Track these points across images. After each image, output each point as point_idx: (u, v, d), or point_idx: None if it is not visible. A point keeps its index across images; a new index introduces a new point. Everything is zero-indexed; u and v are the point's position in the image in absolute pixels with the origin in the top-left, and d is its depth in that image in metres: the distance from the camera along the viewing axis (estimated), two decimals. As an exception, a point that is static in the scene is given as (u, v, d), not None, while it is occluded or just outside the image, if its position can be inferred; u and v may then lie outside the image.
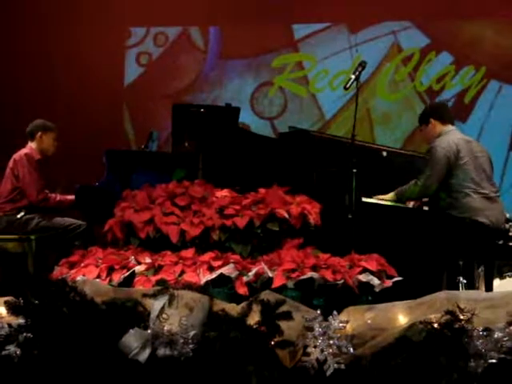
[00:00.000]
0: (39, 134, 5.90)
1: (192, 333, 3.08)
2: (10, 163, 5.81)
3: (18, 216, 5.72)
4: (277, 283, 4.14)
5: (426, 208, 5.36)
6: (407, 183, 5.27)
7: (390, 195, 5.29)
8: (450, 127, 5.23)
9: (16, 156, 5.81)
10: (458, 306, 3.10)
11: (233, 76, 8.60)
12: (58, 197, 5.88)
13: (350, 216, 4.91)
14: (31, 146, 5.90)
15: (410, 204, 5.35)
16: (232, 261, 4.27)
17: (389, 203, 5.31)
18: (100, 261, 4.40)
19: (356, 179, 4.95)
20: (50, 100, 8.08)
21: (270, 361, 3.08)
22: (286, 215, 4.56)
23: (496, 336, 3.04)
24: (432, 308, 3.23)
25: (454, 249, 5.03)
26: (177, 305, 3.18)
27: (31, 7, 8.29)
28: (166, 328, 3.10)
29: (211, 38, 8.67)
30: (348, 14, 8.28)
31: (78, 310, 3.19)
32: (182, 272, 4.21)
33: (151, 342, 3.08)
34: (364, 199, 5.17)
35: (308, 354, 3.11)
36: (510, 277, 5.54)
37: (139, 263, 4.34)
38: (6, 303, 3.27)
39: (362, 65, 5.22)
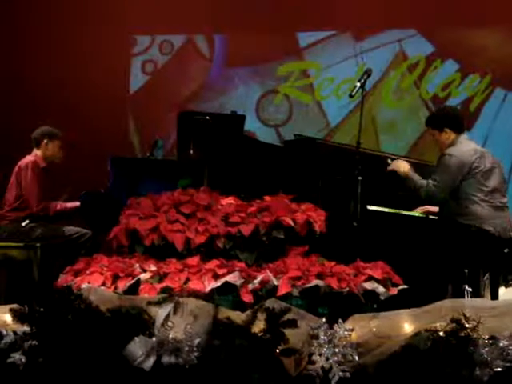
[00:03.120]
0: (45, 141, 5.88)
1: (197, 340, 3.08)
2: (16, 170, 5.80)
3: (23, 224, 5.70)
4: (282, 291, 4.14)
5: (433, 217, 5.36)
6: (411, 191, 5.27)
7: (410, 171, 5.23)
8: (463, 136, 5.22)
9: (21, 163, 5.80)
10: (464, 315, 3.09)
11: (238, 84, 8.61)
12: (59, 205, 5.86)
13: (355, 224, 4.92)
14: (37, 153, 5.88)
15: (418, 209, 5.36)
16: (237, 268, 4.27)
17: (394, 211, 5.31)
18: (105, 268, 4.39)
19: (361, 187, 4.95)
20: (55, 107, 8.08)
21: (274, 369, 3.07)
22: (292, 223, 4.55)
23: (501, 344, 3.03)
24: (437, 316, 3.22)
25: (460, 256, 5.02)
26: (182, 313, 3.18)
27: (36, 16, 8.31)
28: (170, 336, 3.10)
29: (216, 46, 8.69)
30: (353, 21, 8.29)
31: (83, 318, 3.19)
32: (187, 280, 4.21)
33: (156, 350, 3.08)
34: (369, 207, 5.16)
35: (313, 362, 3.11)
36: (515, 285, 5.53)
37: (144, 271, 4.34)
38: (12, 311, 3.27)
39: (368, 72, 5.23)
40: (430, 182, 5.10)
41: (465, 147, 5.16)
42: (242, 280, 4.21)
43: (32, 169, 5.73)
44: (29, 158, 5.83)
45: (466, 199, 5.07)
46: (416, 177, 5.21)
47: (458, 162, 5.07)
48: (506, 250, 5.09)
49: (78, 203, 5.88)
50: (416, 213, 5.37)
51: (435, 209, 5.33)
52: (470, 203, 5.06)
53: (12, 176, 5.82)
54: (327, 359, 3.09)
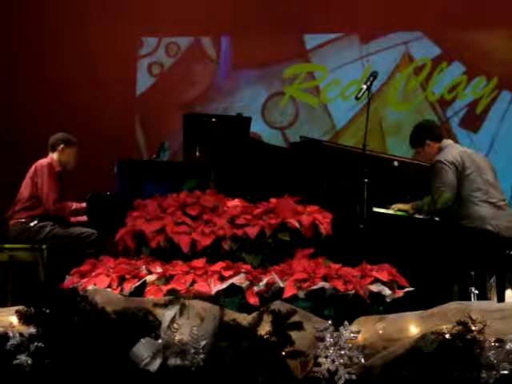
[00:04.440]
0: (61, 146, 5.99)
1: (203, 343, 3.08)
2: (30, 171, 5.89)
3: (32, 224, 5.77)
4: (288, 293, 4.14)
5: (436, 219, 5.35)
6: (418, 193, 5.28)
7: (408, 206, 5.29)
8: (446, 141, 5.31)
9: (37, 165, 5.89)
10: (470, 317, 3.08)
11: (244, 86, 8.61)
12: (74, 205, 5.95)
13: (361, 226, 4.92)
14: (52, 156, 5.98)
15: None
16: (243, 270, 4.27)
17: (400, 213, 5.30)
18: (111, 270, 4.40)
19: (367, 189, 4.95)
20: (61, 110, 8.09)
21: (280, 371, 3.07)
22: (298, 225, 4.55)
23: (508, 347, 3.03)
24: (443, 319, 3.22)
25: (465, 259, 5.02)
26: (188, 315, 3.18)
27: (42, 18, 8.32)
28: (176, 338, 3.10)
29: (223, 48, 8.69)
30: (359, 24, 8.28)
31: (89, 320, 3.19)
32: (193, 282, 4.21)
33: (162, 352, 3.08)
34: (375, 209, 5.16)
35: (319, 365, 3.11)
36: (522, 287, 5.51)
37: (150, 273, 4.34)
38: (18, 312, 3.28)
39: (374, 75, 5.24)
40: (435, 191, 5.11)
41: (451, 151, 5.23)
42: (248, 282, 4.21)
43: (48, 170, 5.84)
44: (45, 160, 5.93)
45: (465, 201, 5.12)
46: (418, 202, 5.26)
47: (449, 163, 5.14)
48: (510, 252, 5.09)
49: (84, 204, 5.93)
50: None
51: None
52: (470, 205, 5.11)
53: (26, 176, 5.89)
54: (333, 361, 3.09)
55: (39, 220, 5.78)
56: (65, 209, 5.88)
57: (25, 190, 5.88)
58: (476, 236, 5.00)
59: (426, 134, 5.38)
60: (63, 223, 5.87)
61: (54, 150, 6.00)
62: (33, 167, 5.89)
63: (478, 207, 5.08)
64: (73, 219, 5.99)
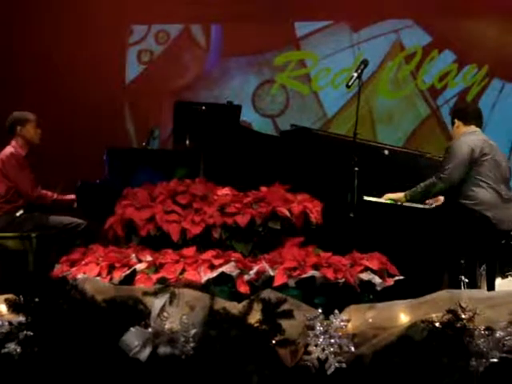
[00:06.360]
0: (18, 128, 5.83)
1: (193, 331, 3.08)
2: None
3: (17, 214, 5.69)
4: (278, 282, 4.13)
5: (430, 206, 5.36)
6: (408, 181, 5.28)
7: (400, 195, 5.28)
8: (473, 128, 5.28)
9: (2, 156, 5.74)
10: (460, 305, 3.09)
11: (234, 74, 8.58)
12: (55, 195, 5.88)
13: (351, 215, 4.91)
14: (14, 142, 5.83)
15: (430, 202, 5.37)
16: (233, 259, 4.26)
17: (390, 202, 5.31)
18: (101, 259, 4.39)
19: (358, 178, 4.95)
20: (50, 98, 8.05)
21: (270, 359, 3.07)
22: (288, 214, 4.55)
23: (498, 335, 3.04)
24: (434, 307, 3.22)
25: (457, 241, 5.03)
26: (178, 303, 3.17)
27: (31, 5, 8.27)
28: (166, 326, 3.10)
29: (213, 36, 8.65)
30: (350, 12, 8.26)
31: (79, 308, 3.19)
32: (183, 270, 4.20)
33: (152, 341, 3.08)
34: (365, 198, 5.16)
35: (309, 353, 3.11)
36: (512, 276, 5.53)
37: (140, 261, 4.33)
38: (7, 301, 3.27)
39: (364, 63, 5.23)
40: (442, 171, 5.12)
41: (474, 136, 5.22)
42: (238, 271, 4.21)
43: (15, 159, 5.71)
44: (8, 150, 5.78)
45: (473, 183, 5.11)
46: (414, 189, 5.24)
47: (467, 146, 5.12)
48: (503, 241, 5.11)
49: (73, 196, 5.86)
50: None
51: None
52: (477, 187, 5.10)
53: None
54: (323, 350, 3.09)
55: (25, 210, 5.71)
56: (46, 197, 5.82)
57: (0, 184, 5.78)
58: (474, 219, 5.02)
59: (456, 112, 5.43)
60: (50, 213, 5.81)
61: (13, 134, 5.85)
62: None
63: (486, 192, 5.09)
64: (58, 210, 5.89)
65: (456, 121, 5.32)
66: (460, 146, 5.14)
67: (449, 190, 5.17)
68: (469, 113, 5.40)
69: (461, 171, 5.10)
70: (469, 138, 5.19)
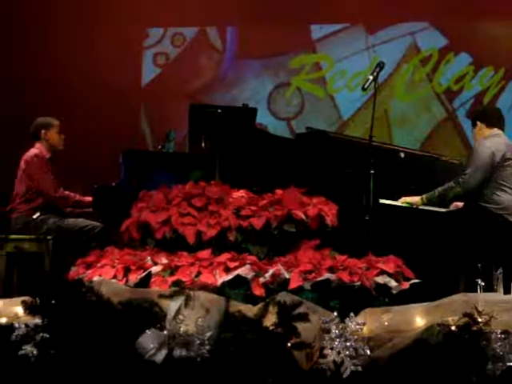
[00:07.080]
0: (42, 132, 5.89)
1: (208, 334, 3.08)
2: (21, 165, 5.81)
3: (34, 217, 5.72)
4: (293, 284, 4.13)
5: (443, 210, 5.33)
6: (424, 184, 5.26)
7: (417, 198, 5.26)
8: (496, 130, 5.26)
9: (26, 157, 5.81)
10: (476, 309, 3.08)
11: (250, 76, 8.60)
12: (77, 196, 5.94)
13: (367, 217, 4.91)
14: (39, 145, 5.89)
15: (452, 206, 5.35)
16: (248, 262, 4.26)
17: (406, 205, 5.29)
18: (116, 261, 4.40)
19: (373, 180, 4.94)
20: (67, 101, 8.10)
21: (286, 362, 3.06)
22: (303, 216, 4.54)
23: (514, 339, 3.02)
24: (450, 310, 3.21)
25: (476, 245, 5.00)
26: (193, 306, 3.18)
27: (48, 8, 8.31)
28: (182, 329, 3.10)
29: (228, 39, 8.67)
30: (366, 14, 8.25)
31: (95, 311, 3.19)
32: (199, 273, 4.20)
33: (167, 343, 3.08)
34: (381, 201, 5.15)
35: (325, 356, 3.10)
36: (528, 279, 5.50)
37: (155, 264, 4.33)
38: (23, 303, 3.29)
39: (380, 65, 5.22)
40: (462, 175, 5.10)
41: (497, 139, 5.20)
42: (254, 273, 4.20)
43: (38, 161, 5.76)
44: (33, 151, 5.84)
45: (496, 187, 5.10)
46: (432, 192, 5.21)
47: (489, 149, 5.10)
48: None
49: (91, 198, 5.90)
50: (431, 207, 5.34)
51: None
52: (501, 191, 5.09)
53: (18, 171, 5.83)
54: (339, 353, 3.09)
55: (41, 212, 5.74)
56: (68, 198, 5.86)
57: (20, 184, 5.79)
58: (497, 224, 5.00)
59: (479, 115, 5.40)
60: (66, 215, 5.85)
61: (38, 139, 5.92)
62: (22, 160, 5.81)
63: (510, 196, 5.08)
64: (79, 211, 5.97)
65: (478, 123, 5.29)
66: (482, 150, 5.13)
67: (466, 195, 5.15)
68: (492, 115, 5.38)
69: (480, 177, 5.07)
70: (492, 141, 5.17)
